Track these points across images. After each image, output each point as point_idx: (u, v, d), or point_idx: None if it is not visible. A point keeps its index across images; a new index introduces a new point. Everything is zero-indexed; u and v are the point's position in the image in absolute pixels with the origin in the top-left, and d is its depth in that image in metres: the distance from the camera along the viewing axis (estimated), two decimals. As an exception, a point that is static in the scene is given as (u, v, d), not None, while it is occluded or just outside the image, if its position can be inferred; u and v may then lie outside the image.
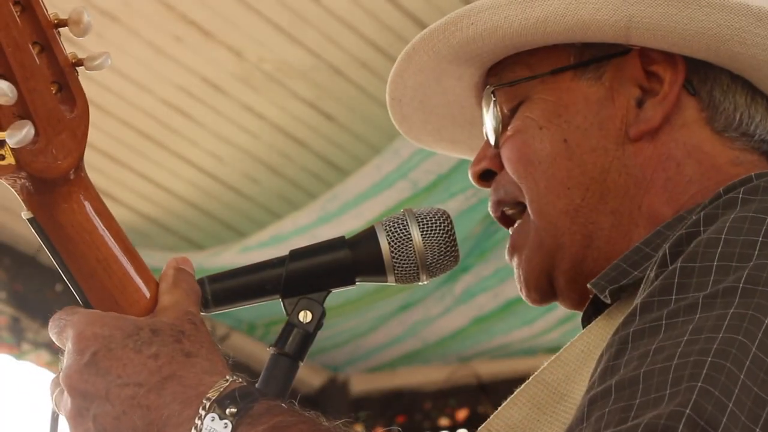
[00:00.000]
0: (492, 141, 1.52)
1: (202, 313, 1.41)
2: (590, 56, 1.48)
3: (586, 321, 1.40)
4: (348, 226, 4.43)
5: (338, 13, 4.38)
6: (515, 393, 1.33)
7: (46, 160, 1.21)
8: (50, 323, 1.33)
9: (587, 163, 1.45)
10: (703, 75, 1.46)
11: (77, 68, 1.23)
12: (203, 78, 4.61)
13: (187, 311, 1.30)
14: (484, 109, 1.55)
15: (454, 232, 1.44)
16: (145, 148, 4.83)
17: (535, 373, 1.34)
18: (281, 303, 1.41)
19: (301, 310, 1.39)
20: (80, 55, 1.24)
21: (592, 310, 1.39)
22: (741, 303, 1.10)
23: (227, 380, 1.23)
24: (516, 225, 1.52)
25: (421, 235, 1.41)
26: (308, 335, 1.39)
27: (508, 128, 1.50)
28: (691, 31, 1.42)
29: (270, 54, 4.54)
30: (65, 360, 1.28)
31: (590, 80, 1.48)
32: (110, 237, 1.28)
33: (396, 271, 1.42)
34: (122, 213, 4.91)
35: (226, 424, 1.19)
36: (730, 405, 1.03)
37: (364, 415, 5.95)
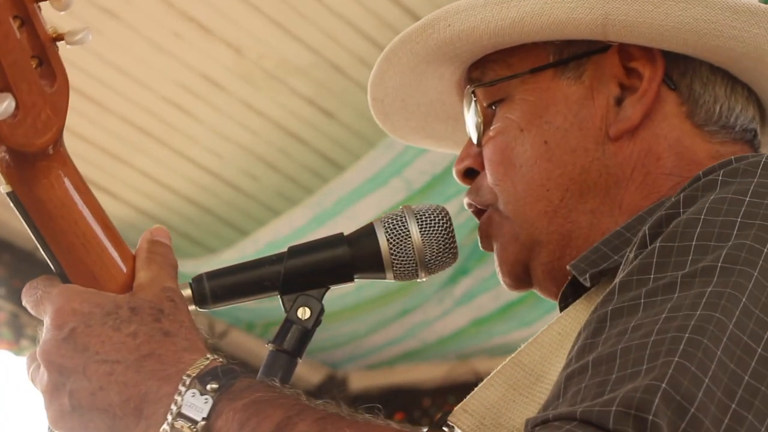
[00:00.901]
0: (474, 140, 1.52)
1: (201, 310, 1.41)
2: (570, 54, 1.48)
3: (563, 302, 1.41)
4: (343, 228, 4.41)
5: (338, 10, 4.38)
6: (491, 374, 1.33)
7: (25, 133, 1.21)
8: (25, 290, 1.33)
9: (567, 164, 1.45)
10: (682, 68, 1.46)
11: (58, 43, 1.23)
12: (203, 74, 4.61)
13: (164, 287, 1.31)
14: (465, 109, 1.54)
15: (453, 229, 1.44)
16: (144, 145, 4.82)
17: (512, 355, 1.34)
18: (280, 299, 1.41)
19: (299, 307, 1.39)
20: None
21: (570, 292, 1.39)
22: (719, 282, 1.11)
23: (208, 358, 1.23)
24: (484, 216, 1.51)
25: (420, 232, 1.42)
26: (307, 332, 1.39)
27: (490, 128, 1.50)
28: (668, 27, 1.41)
29: (269, 51, 4.54)
30: (43, 334, 1.28)
31: (570, 79, 1.48)
32: (89, 212, 1.28)
33: (395, 268, 1.42)
34: (120, 208, 4.91)
35: (206, 399, 1.19)
36: (706, 380, 1.04)
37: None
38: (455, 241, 1.44)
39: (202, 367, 1.22)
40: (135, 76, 4.55)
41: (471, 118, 1.53)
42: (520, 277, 1.50)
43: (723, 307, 1.09)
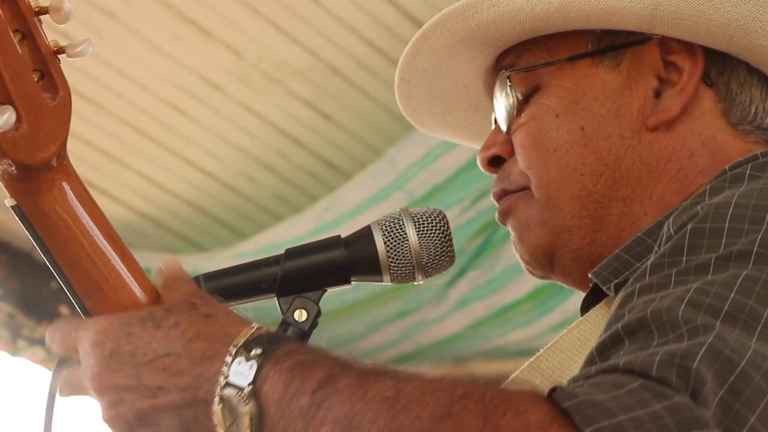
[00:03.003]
0: (504, 126, 1.51)
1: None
2: (608, 43, 1.48)
3: (584, 309, 1.40)
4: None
5: (337, 13, 4.38)
6: (509, 379, 1.32)
7: (28, 146, 1.21)
8: (50, 330, 1.31)
9: (603, 150, 1.45)
10: (720, 66, 1.46)
11: (59, 56, 1.23)
12: (202, 77, 4.61)
13: (189, 291, 1.30)
14: (497, 94, 1.53)
15: (450, 232, 1.44)
16: (142, 146, 4.83)
17: (531, 359, 1.33)
18: (276, 302, 1.41)
19: (296, 309, 1.39)
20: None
21: (592, 298, 1.39)
22: (755, 268, 1.10)
23: (252, 327, 1.22)
24: (511, 195, 1.51)
25: (417, 234, 1.41)
26: (303, 334, 1.39)
27: (522, 114, 1.49)
28: (717, 22, 1.42)
29: (268, 53, 4.54)
30: (84, 364, 1.26)
31: (608, 67, 1.48)
32: (93, 225, 1.28)
33: (392, 271, 1.41)
34: (119, 210, 4.91)
35: (252, 365, 1.18)
36: (750, 350, 1.03)
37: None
38: (452, 245, 1.44)
39: (247, 336, 1.20)
40: (133, 77, 4.55)
41: (503, 104, 1.52)
42: (540, 261, 1.49)
43: (757, 293, 1.08)
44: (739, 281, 1.08)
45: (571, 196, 1.45)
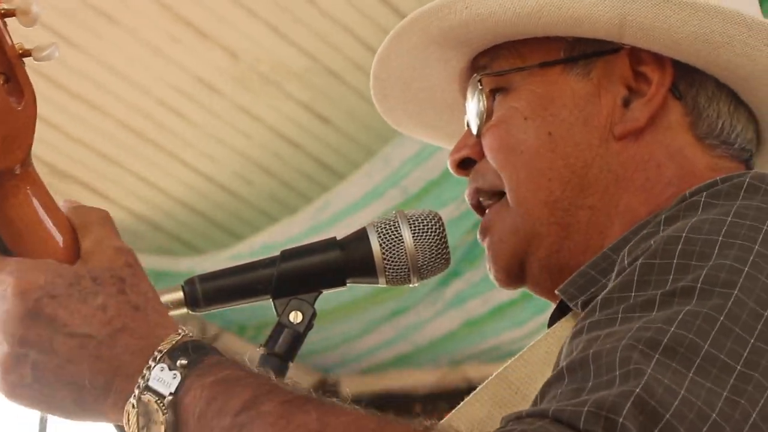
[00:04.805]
0: (474, 129, 1.52)
1: (193, 313, 1.42)
2: (580, 51, 1.48)
3: (553, 320, 1.42)
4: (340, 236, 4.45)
5: (335, 15, 4.39)
6: (478, 389, 1.34)
7: None
8: None
9: (570, 156, 1.46)
10: (689, 80, 1.47)
11: (25, 59, 1.22)
12: (198, 78, 4.62)
13: (115, 248, 1.28)
14: (469, 97, 1.54)
15: (446, 235, 1.45)
16: (139, 147, 4.83)
17: (499, 370, 1.35)
18: (272, 303, 1.41)
19: (291, 311, 1.39)
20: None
21: (557, 315, 1.41)
22: (698, 303, 1.12)
23: (179, 333, 1.23)
24: (490, 208, 1.52)
25: (413, 237, 1.42)
26: (298, 336, 1.39)
27: (492, 117, 1.50)
28: (684, 35, 1.42)
29: (266, 55, 4.55)
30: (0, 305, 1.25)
31: (578, 75, 1.48)
32: (57, 232, 1.27)
33: (387, 273, 1.42)
34: (114, 211, 4.85)
35: (175, 375, 1.19)
36: (682, 391, 1.06)
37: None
38: (448, 247, 1.44)
39: (173, 342, 1.21)
40: (131, 78, 4.56)
41: (473, 107, 1.53)
42: (514, 272, 1.50)
43: (698, 327, 1.10)
44: (680, 316, 1.10)
45: (539, 202, 1.46)
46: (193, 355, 1.20)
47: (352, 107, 4.67)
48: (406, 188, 4.64)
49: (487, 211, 1.52)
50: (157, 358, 1.20)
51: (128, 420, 1.20)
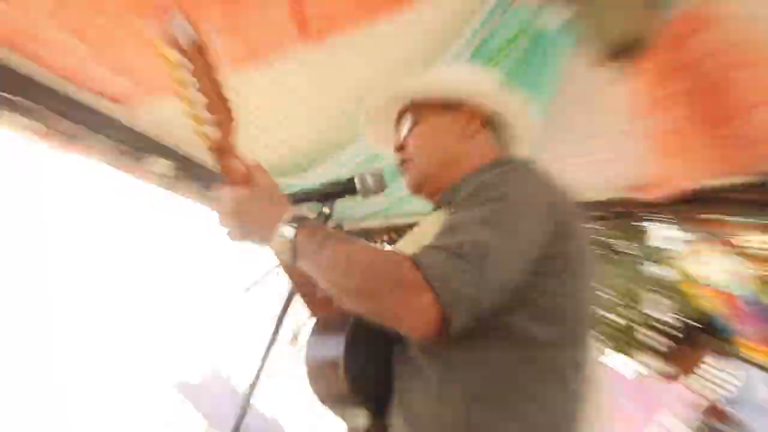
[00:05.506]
0: (403, 138, 3.34)
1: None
2: (449, 104, 3.47)
3: (434, 210, 3.23)
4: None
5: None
6: (403, 238, 3.44)
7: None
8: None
9: (447, 152, 3.23)
10: (489, 118, 3.48)
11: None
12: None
13: (272, 183, 2.87)
14: (403, 122, 3.36)
15: (384, 176, 3.48)
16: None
17: (406, 235, 3.38)
18: (320, 204, 3.44)
19: (326, 207, 3.36)
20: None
21: (435, 207, 3.40)
22: (491, 205, 2.82)
23: (291, 211, 2.78)
24: (407, 165, 3.29)
25: (372, 179, 3.46)
26: (327, 216, 3.40)
27: (412, 132, 3.30)
28: (457, 96, 3.26)
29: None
30: (246, 194, 2.87)
31: (450, 113, 3.35)
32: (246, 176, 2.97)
33: (360, 192, 3.42)
34: (267, 156, 5.02)
35: (290, 229, 2.72)
36: (479, 238, 2.78)
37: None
38: (384, 181, 3.44)
39: (291, 216, 2.75)
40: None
41: (405, 127, 3.48)
42: (416, 190, 3.22)
43: (491, 211, 2.82)
44: (486, 209, 2.65)
45: (433, 167, 3.19)
46: (299, 221, 2.73)
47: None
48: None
49: (405, 165, 3.54)
50: (284, 223, 2.78)
51: (277, 237, 2.76)
